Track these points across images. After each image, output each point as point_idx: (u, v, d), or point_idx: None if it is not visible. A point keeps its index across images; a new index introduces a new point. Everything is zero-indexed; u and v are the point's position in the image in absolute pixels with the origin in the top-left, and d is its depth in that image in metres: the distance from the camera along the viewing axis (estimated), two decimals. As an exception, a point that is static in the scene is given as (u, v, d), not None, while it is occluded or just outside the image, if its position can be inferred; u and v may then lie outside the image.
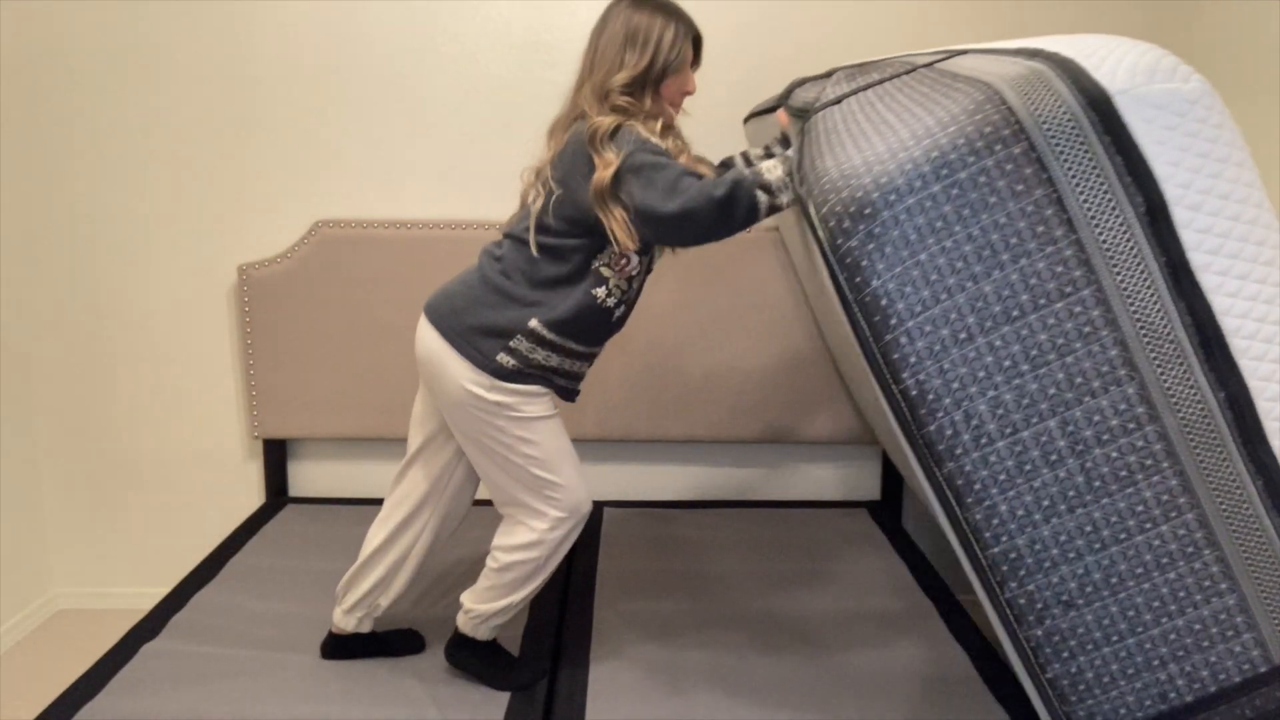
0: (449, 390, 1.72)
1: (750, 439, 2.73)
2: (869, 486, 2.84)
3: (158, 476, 2.81)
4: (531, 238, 1.69)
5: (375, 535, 1.87)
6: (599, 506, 2.69)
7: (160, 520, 2.83)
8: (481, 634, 1.83)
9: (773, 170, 1.51)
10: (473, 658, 1.84)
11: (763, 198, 1.50)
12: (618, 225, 1.60)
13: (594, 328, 1.74)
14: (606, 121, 1.62)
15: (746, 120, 2.33)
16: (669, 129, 1.72)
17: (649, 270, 1.79)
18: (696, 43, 1.75)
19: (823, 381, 2.68)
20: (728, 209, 1.49)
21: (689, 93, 1.77)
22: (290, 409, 2.69)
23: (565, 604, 2.16)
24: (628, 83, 1.67)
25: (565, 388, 1.78)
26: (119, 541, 2.85)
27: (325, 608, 2.09)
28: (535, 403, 1.72)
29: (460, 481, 1.88)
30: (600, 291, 1.69)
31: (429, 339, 1.75)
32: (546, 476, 1.72)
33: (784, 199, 1.50)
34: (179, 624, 2.03)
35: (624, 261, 1.70)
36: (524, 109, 2.64)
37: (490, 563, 1.79)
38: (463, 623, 1.84)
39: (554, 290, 1.69)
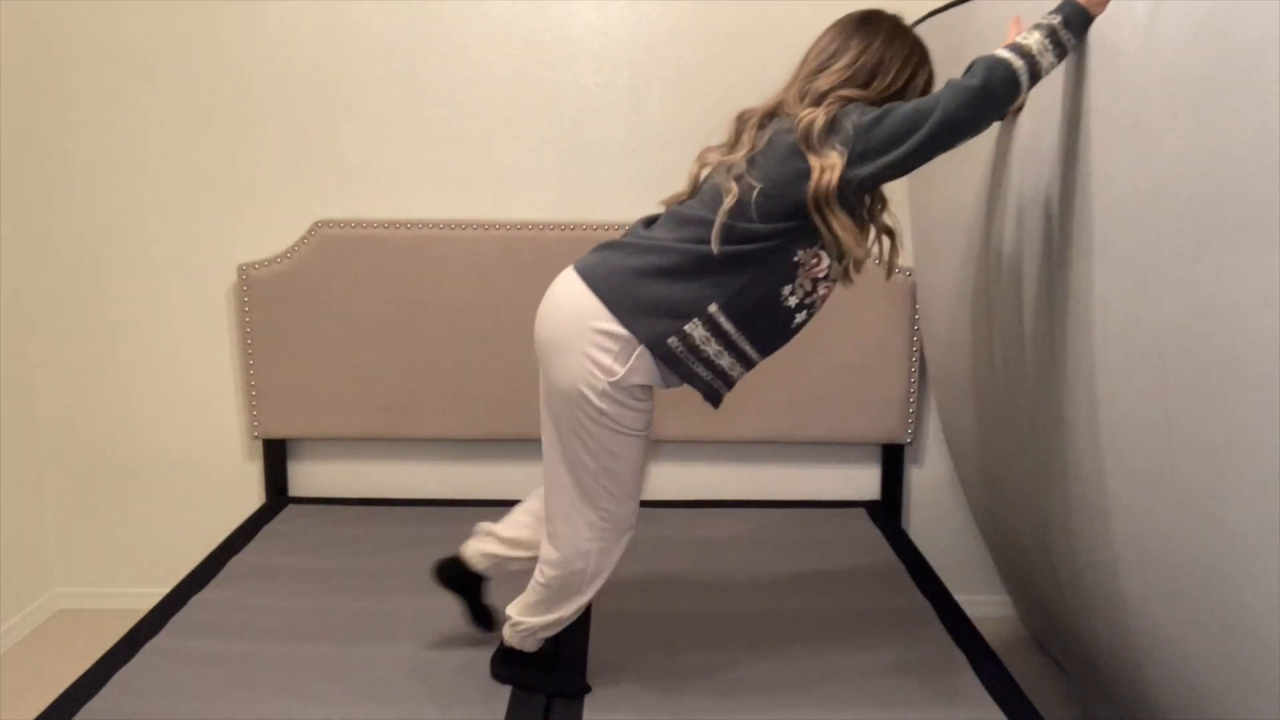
0: (561, 377, 1.62)
1: (750, 439, 2.74)
2: (869, 486, 2.84)
3: (158, 476, 2.81)
4: (718, 227, 1.57)
5: (533, 530, 1.83)
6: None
7: (160, 520, 2.83)
8: (529, 646, 1.81)
9: (1028, 37, 1.46)
10: (525, 668, 1.82)
11: (1019, 65, 1.43)
12: (845, 231, 1.53)
13: (770, 329, 1.65)
14: (820, 115, 1.52)
15: (916, 24, 2.12)
16: None
17: (831, 284, 1.67)
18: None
19: (824, 381, 2.68)
20: (989, 95, 1.45)
21: None
22: (290, 409, 2.69)
23: (565, 604, 2.17)
24: (881, 94, 1.58)
25: (717, 392, 1.70)
26: (119, 541, 2.85)
27: (328, 607, 2.10)
28: (639, 418, 1.65)
29: None
30: (786, 289, 1.61)
31: (579, 301, 1.61)
32: (610, 489, 1.66)
33: (1047, 60, 1.45)
34: (180, 623, 2.03)
35: (815, 261, 1.60)
36: (524, 109, 2.64)
37: (538, 576, 1.75)
38: (510, 636, 1.81)
39: (740, 276, 1.58)
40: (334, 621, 2.04)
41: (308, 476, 2.83)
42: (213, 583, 2.22)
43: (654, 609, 2.12)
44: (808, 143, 1.52)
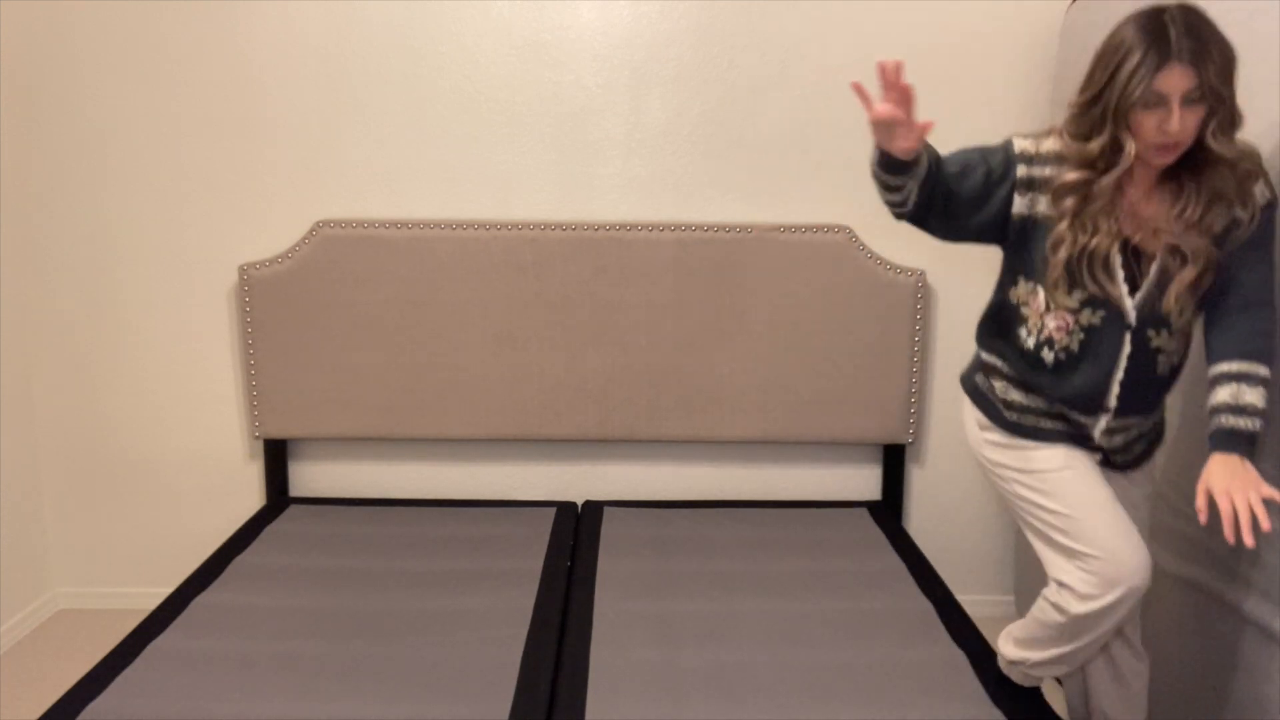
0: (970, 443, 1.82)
1: (750, 439, 2.74)
2: (869, 486, 2.85)
3: (158, 476, 2.81)
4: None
5: None
6: (599, 506, 2.70)
7: (161, 520, 2.83)
8: (1015, 676, 1.78)
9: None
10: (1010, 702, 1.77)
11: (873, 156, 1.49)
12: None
13: (1031, 371, 1.62)
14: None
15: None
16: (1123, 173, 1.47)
17: (1070, 315, 1.57)
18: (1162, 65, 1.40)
19: (824, 381, 2.68)
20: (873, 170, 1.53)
21: (1165, 140, 1.43)
22: (291, 409, 2.69)
23: (566, 604, 2.17)
24: (1080, 104, 1.50)
25: (1066, 433, 1.64)
26: (119, 541, 2.85)
27: (329, 606, 2.09)
28: (1038, 453, 1.62)
29: None
30: (1022, 332, 1.63)
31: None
32: (1070, 545, 1.56)
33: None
34: (183, 623, 2.03)
35: (1031, 298, 1.59)
36: (524, 109, 2.64)
37: (1034, 608, 1.71)
38: (1004, 663, 1.80)
39: (992, 324, 1.72)
40: (335, 621, 2.04)
41: (309, 477, 2.83)
42: (215, 583, 2.22)
43: (655, 609, 2.11)
44: None
